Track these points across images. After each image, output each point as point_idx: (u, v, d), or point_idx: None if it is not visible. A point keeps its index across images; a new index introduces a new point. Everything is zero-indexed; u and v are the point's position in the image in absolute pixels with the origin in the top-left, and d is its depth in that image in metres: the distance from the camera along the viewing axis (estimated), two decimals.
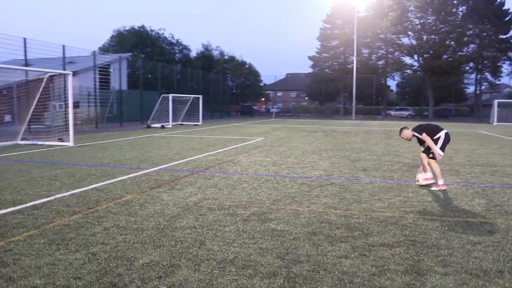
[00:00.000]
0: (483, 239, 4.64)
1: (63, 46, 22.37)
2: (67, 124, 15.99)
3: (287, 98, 78.11)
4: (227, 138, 18.49)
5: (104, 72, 36.95)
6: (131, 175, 8.72)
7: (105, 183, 7.86)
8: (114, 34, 57.53)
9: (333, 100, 60.48)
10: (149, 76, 39.16)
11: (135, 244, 4.45)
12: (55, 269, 3.81)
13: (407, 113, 52.63)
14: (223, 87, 50.11)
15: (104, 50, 55.36)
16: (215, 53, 68.90)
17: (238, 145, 15.10)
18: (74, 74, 36.23)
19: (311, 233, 4.84)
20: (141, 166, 9.93)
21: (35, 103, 15.74)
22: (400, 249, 4.33)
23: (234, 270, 3.78)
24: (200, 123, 30.99)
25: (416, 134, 7.58)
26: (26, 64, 20.15)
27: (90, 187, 7.48)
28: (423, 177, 7.69)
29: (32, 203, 6.28)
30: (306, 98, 67.85)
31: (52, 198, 6.61)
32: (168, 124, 27.48)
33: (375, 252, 4.23)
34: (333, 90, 56.10)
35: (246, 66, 67.63)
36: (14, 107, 20.62)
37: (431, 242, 4.54)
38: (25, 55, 20.02)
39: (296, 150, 13.44)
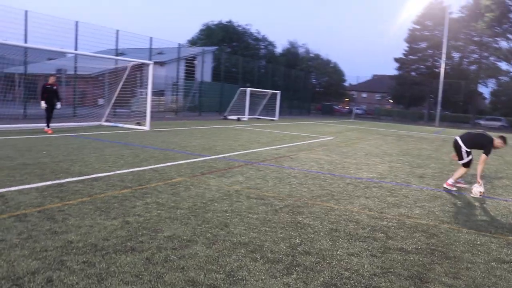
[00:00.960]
0: None
1: (151, 38, 23.91)
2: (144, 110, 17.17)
3: (371, 100, 76.02)
4: (297, 134, 18.66)
5: (189, 64, 38.80)
6: (189, 160, 9.27)
7: (163, 165, 8.48)
8: (203, 28, 59.88)
9: (418, 104, 57.78)
10: (234, 69, 40.31)
11: (166, 219, 4.87)
12: (91, 230, 4.33)
13: (499, 123, 48.65)
14: (305, 85, 50.12)
15: (192, 43, 57.93)
16: (301, 50, 69.02)
17: (304, 142, 15.22)
18: (162, 64, 38.50)
19: (334, 230, 4.93)
20: (202, 153, 10.48)
21: (118, 89, 17.09)
22: (416, 256, 4.28)
23: (243, 252, 4.03)
24: (276, 118, 31.40)
25: None
26: (117, 54, 21.81)
27: (148, 167, 8.12)
28: (477, 190, 7.40)
29: (94, 175, 7.01)
30: (391, 101, 65.59)
31: (112, 173, 7.31)
32: (244, 117, 28.22)
33: (388, 255, 4.24)
34: (419, 94, 53.61)
35: (331, 65, 66.92)
36: (106, 92, 22.46)
37: (453, 254, 4.42)
38: (116, 45, 21.69)
39: (360, 152, 13.27)
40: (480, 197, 7.36)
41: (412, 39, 53.36)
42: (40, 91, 12.97)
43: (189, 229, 4.60)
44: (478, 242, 4.86)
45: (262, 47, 62.60)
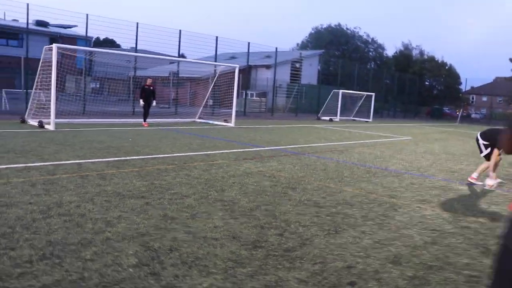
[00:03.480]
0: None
1: (248, 43, 26.08)
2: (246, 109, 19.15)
3: (493, 104, 70.06)
4: (376, 134, 19.17)
5: (294, 67, 40.60)
6: (244, 150, 10.87)
7: (217, 152, 10.21)
8: (312, 31, 61.30)
9: None
10: (337, 72, 41.09)
11: (182, 184, 6.51)
12: (124, 186, 6.14)
13: None
14: (412, 88, 48.68)
15: (302, 46, 59.68)
16: (415, 52, 66.79)
17: (374, 140, 15.87)
18: (268, 67, 40.86)
19: (307, 200, 6.10)
20: (261, 145, 12.01)
21: (209, 90, 19.41)
22: (348, 218, 5.30)
23: (217, 204, 5.48)
24: (370, 119, 31.58)
25: None
26: (216, 59, 24.32)
27: (204, 152, 9.91)
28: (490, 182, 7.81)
29: (155, 156, 8.98)
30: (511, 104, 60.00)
31: (170, 155, 9.22)
32: (336, 118, 29.02)
33: (325, 215, 5.34)
34: None
35: (446, 68, 63.56)
36: (211, 93, 25.11)
37: (359, 213, 5.34)
38: (216, 50, 24.24)
39: (420, 150, 13.60)
40: (490, 189, 7.76)
41: None
42: (139, 90, 15.70)
43: (193, 190, 6.17)
44: (391, 207, 5.65)
45: (371, 49, 61.95)
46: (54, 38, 33.02)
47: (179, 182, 6.64)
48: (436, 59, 63.56)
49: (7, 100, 19.74)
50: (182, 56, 35.61)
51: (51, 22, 33.67)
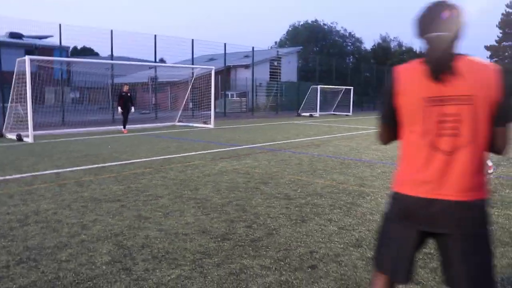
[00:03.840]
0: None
1: (225, 44, 26.27)
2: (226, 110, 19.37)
3: None
4: (354, 127, 19.55)
5: (273, 65, 40.90)
6: (222, 149, 11.08)
7: (194, 153, 10.41)
8: (290, 29, 61.74)
9: None
10: (318, 69, 41.50)
11: (157, 186, 6.71)
12: (101, 191, 6.32)
13: None
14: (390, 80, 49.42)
15: (280, 44, 60.07)
16: (393, 44, 67.74)
17: (350, 133, 16.22)
18: (247, 67, 41.07)
19: (278, 193, 6.35)
20: (237, 144, 12.24)
21: (187, 93, 19.59)
22: (316, 208, 5.58)
23: (191, 203, 5.70)
24: (350, 113, 32.05)
25: None
26: (193, 62, 24.49)
27: (180, 155, 10.10)
28: None
29: (131, 161, 9.14)
30: None
31: (147, 159, 9.40)
32: (316, 113, 29.40)
33: (292, 206, 5.60)
34: None
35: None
36: (192, 96, 25.16)
37: (346, 205, 5.62)
38: (192, 53, 24.40)
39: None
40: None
41: (506, 23, 49.62)
42: (117, 98, 15.81)
43: (167, 191, 6.38)
44: (360, 195, 5.93)
45: (349, 44, 62.64)
46: (30, 49, 32.77)
47: (155, 184, 6.84)
48: (415, 50, 64.51)
49: None
50: (162, 60, 35.57)
51: (26, 33, 33.41)
